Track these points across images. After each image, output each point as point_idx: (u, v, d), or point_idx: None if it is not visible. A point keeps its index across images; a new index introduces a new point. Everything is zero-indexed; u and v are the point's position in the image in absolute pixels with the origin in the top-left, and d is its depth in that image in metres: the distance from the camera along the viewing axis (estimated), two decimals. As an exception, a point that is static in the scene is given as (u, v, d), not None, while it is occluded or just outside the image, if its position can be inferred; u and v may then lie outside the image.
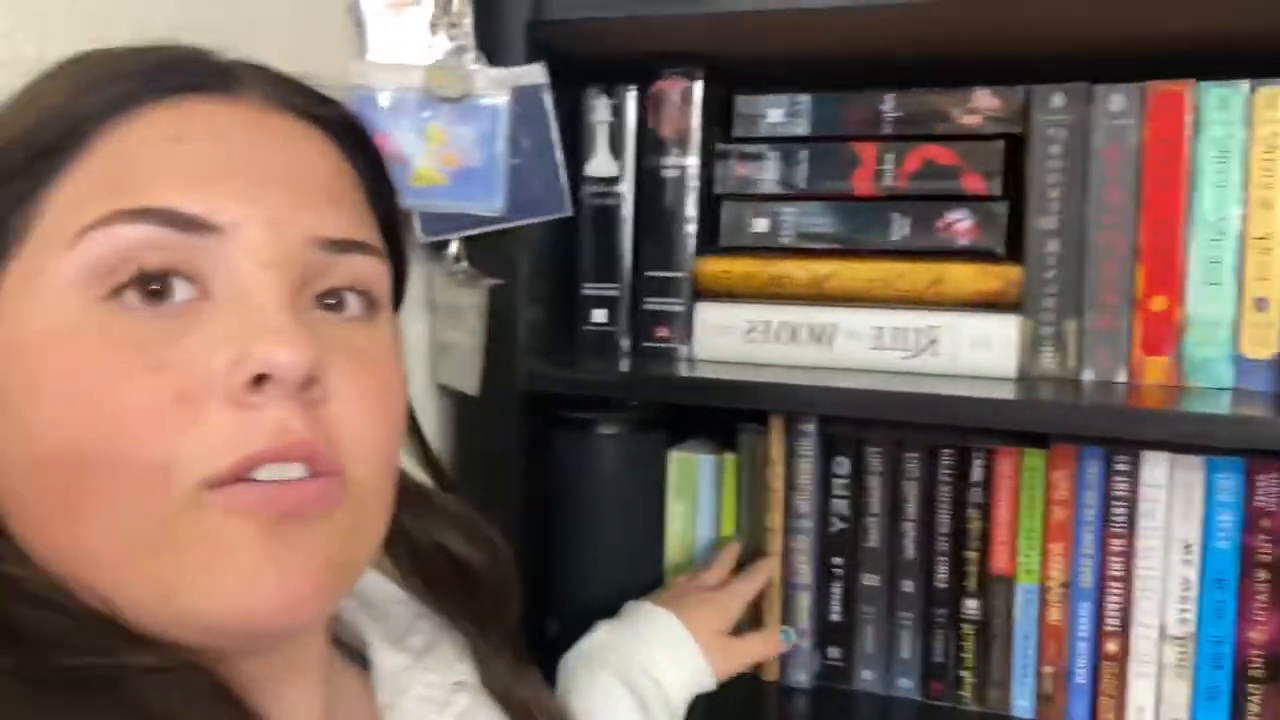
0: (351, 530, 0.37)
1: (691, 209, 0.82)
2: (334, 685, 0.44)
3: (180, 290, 0.34)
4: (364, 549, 0.39)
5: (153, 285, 0.34)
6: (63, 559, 0.34)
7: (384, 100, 0.64)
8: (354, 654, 0.49)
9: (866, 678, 0.81)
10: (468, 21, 0.64)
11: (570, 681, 0.67)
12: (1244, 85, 0.70)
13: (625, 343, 0.84)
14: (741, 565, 0.82)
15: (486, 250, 0.72)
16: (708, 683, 0.71)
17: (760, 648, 0.78)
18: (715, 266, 0.82)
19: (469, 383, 0.71)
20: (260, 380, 0.33)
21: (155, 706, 0.32)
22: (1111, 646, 0.74)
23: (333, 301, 0.37)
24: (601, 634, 0.70)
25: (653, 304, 0.83)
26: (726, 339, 0.81)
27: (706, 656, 0.70)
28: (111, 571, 0.34)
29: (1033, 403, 0.68)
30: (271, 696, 0.38)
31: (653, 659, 0.68)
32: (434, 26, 0.63)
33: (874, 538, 0.80)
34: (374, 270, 0.39)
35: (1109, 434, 0.71)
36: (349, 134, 0.41)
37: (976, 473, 0.77)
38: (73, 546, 0.34)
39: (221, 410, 0.33)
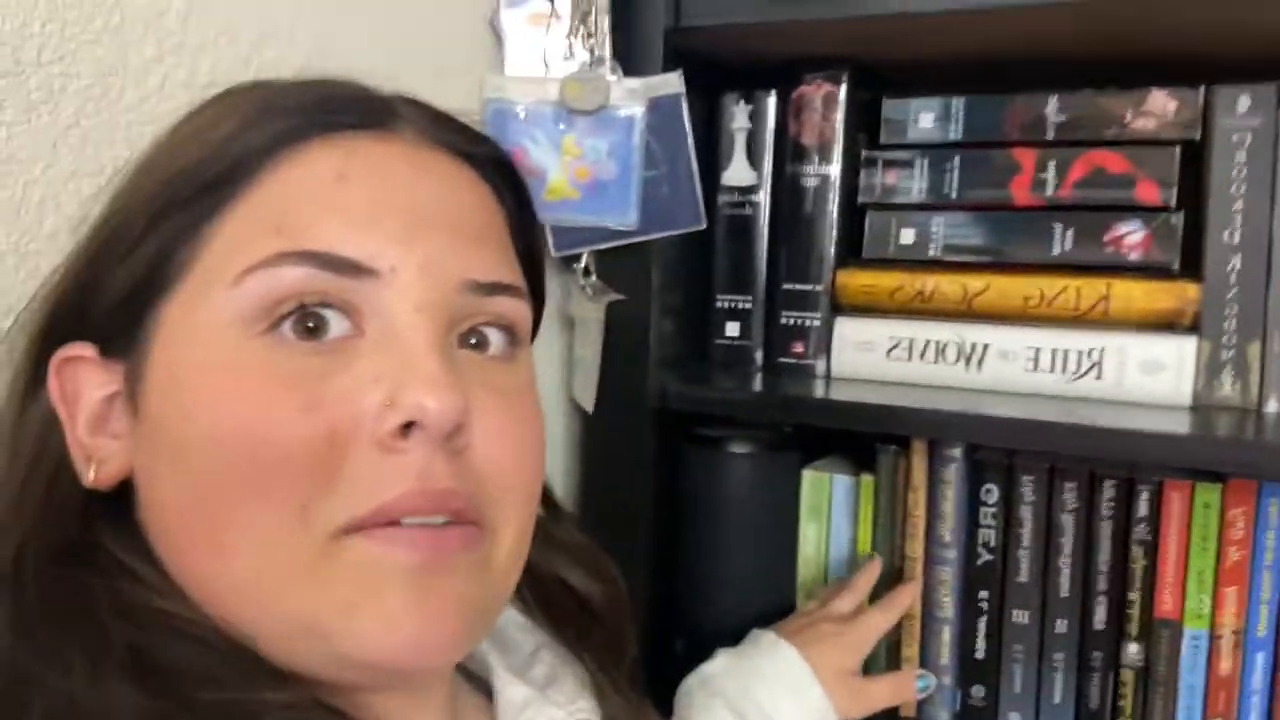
0: (492, 572, 0.37)
1: (833, 219, 0.78)
2: (458, 715, 0.44)
3: (335, 325, 0.35)
4: (504, 590, 0.39)
5: (310, 322, 0.35)
6: (209, 590, 0.35)
7: (520, 113, 0.63)
8: (478, 681, 0.48)
9: (1013, 720, 0.76)
10: (605, 32, 0.63)
11: (686, 709, 0.65)
12: None
13: (759, 357, 0.81)
14: (879, 589, 0.78)
15: (617, 263, 0.70)
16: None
17: (892, 692, 0.74)
18: (857, 279, 0.78)
19: (587, 398, 0.69)
20: (409, 426, 0.34)
21: None
22: (1293, 704, 0.67)
23: (475, 340, 0.38)
24: (720, 661, 0.68)
25: (789, 318, 0.80)
26: (867, 356, 0.77)
27: (830, 698, 0.66)
28: (255, 606, 0.34)
29: (1207, 438, 0.61)
30: None
31: (771, 697, 0.64)
32: (571, 38, 0.62)
33: (1025, 572, 0.75)
34: (517, 310, 0.39)
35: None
36: (499, 171, 0.41)
37: (1142, 507, 0.71)
38: (219, 578, 0.35)
39: (369, 453, 0.34)
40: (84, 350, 0.37)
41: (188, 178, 0.36)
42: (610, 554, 0.72)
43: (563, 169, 0.65)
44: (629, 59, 0.66)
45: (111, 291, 0.36)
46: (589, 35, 0.61)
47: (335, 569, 0.33)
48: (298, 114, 0.37)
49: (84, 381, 0.37)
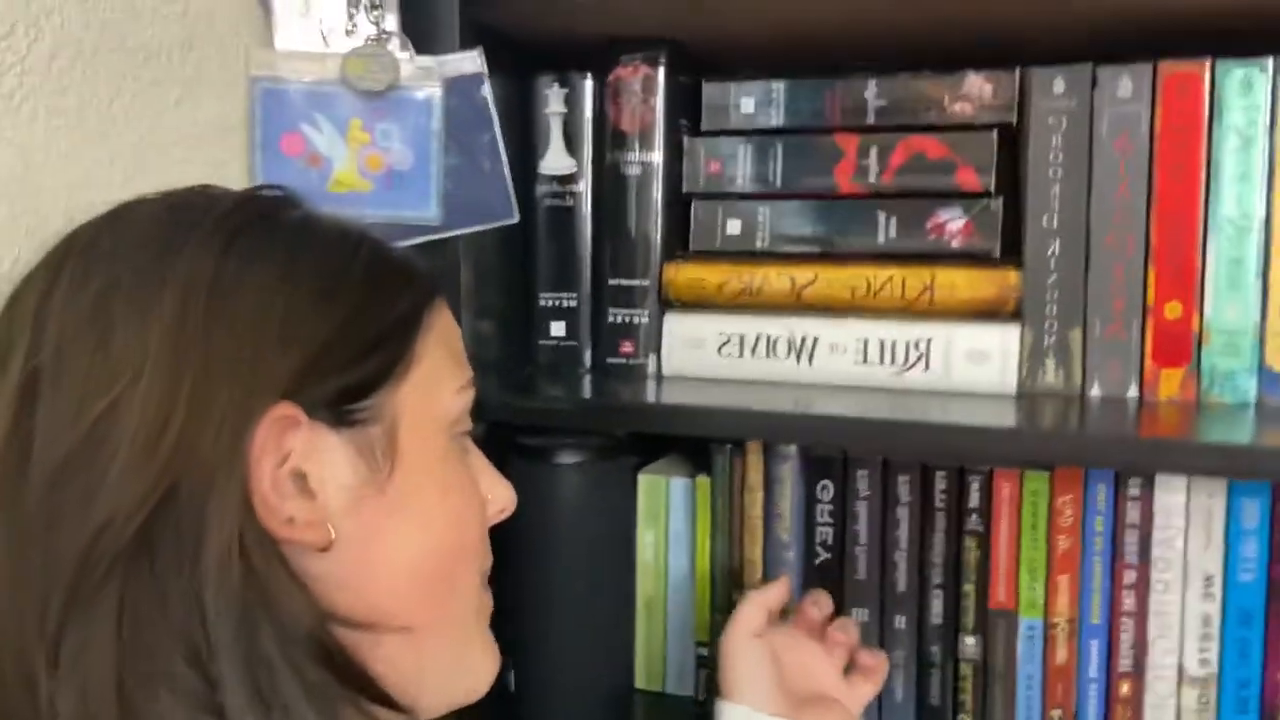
0: None
1: (658, 209, 0.74)
2: None
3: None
4: None
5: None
6: (417, 627, 0.43)
7: (295, 94, 0.56)
8: None
9: (856, 721, 0.74)
10: (393, 3, 0.56)
11: None
12: (1269, 63, 0.63)
13: (587, 358, 0.77)
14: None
15: (427, 260, 0.64)
16: None
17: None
18: (684, 273, 0.74)
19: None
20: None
21: None
22: (1125, 689, 0.67)
23: None
24: None
25: (617, 315, 0.76)
26: (698, 354, 0.74)
27: None
28: (452, 645, 0.46)
29: (1034, 433, 0.60)
30: None
31: None
32: (352, 9, 0.55)
33: (862, 569, 0.73)
34: None
35: (1121, 467, 0.64)
36: None
37: (974, 497, 0.70)
38: (435, 621, 0.44)
39: (485, 532, 0.48)
40: (296, 413, 0.39)
41: (407, 296, 0.44)
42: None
43: (351, 157, 0.58)
44: (421, 36, 0.60)
45: (355, 372, 0.41)
46: (373, 6, 0.55)
47: (482, 622, 0.49)
48: (426, 283, 0.46)
49: (288, 444, 0.39)
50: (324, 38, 0.56)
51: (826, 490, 0.73)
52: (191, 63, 0.52)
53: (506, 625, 0.72)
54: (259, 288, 0.39)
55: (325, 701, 0.38)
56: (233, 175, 0.58)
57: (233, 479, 0.37)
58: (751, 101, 0.72)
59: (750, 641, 0.63)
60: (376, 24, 0.55)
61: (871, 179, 0.70)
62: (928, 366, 0.68)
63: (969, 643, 0.71)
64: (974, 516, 0.70)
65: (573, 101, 0.74)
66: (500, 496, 0.49)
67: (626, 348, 0.75)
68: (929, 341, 0.68)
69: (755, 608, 0.63)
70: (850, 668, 0.65)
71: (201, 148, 0.54)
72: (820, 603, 0.66)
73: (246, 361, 0.38)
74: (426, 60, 0.58)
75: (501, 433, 0.72)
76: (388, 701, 0.42)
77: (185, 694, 0.36)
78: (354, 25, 0.56)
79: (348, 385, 0.41)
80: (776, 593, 0.65)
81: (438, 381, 0.44)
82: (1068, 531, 0.68)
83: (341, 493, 0.41)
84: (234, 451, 0.37)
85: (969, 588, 0.71)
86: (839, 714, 0.62)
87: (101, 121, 0.51)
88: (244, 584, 0.37)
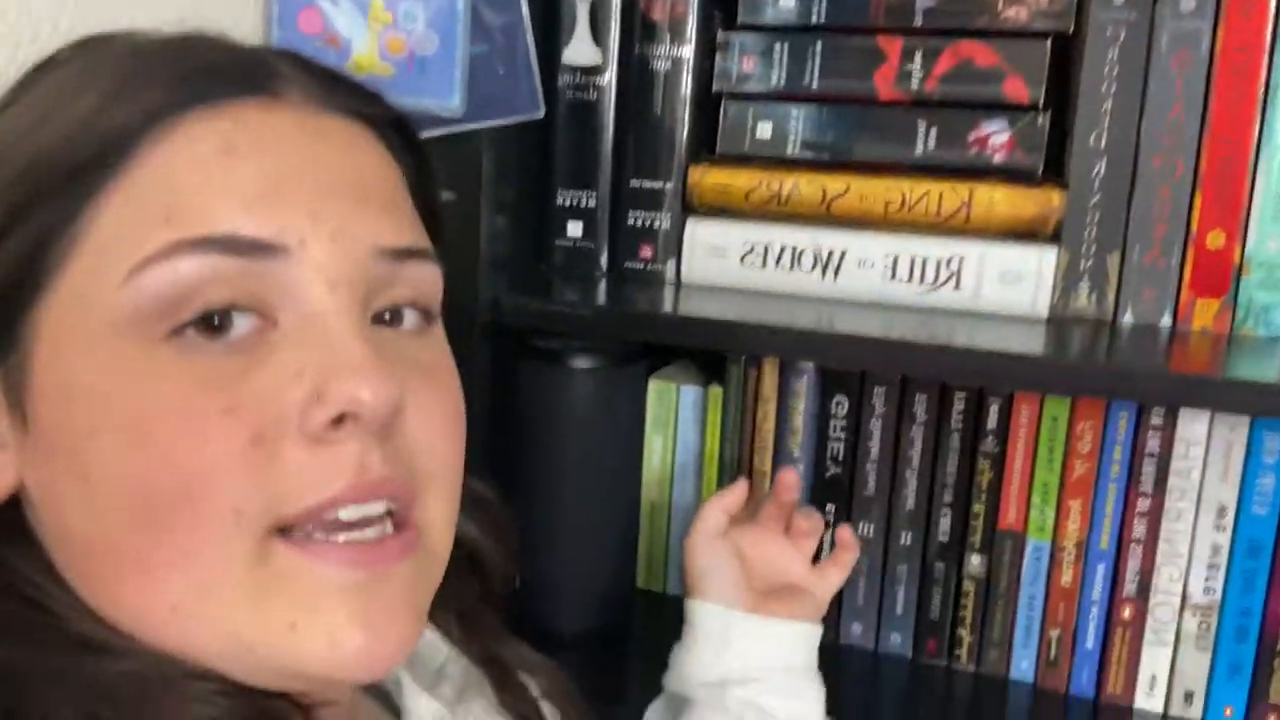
0: (429, 565, 0.36)
1: (685, 108, 0.71)
2: None
3: (241, 323, 0.32)
4: (440, 571, 0.37)
5: (214, 320, 0.31)
6: (135, 614, 0.33)
7: (313, -33, 0.52)
8: (377, 693, 0.45)
9: (855, 631, 0.75)
10: None
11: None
12: (1342, -15, 0.59)
13: (604, 261, 0.74)
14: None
15: (442, 154, 0.61)
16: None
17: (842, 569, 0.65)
18: (710, 177, 0.71)
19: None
20: (340, 419, 0.31)
21: None
22: (1126, 612, 0.68)
23: (389, 316, 0.35)
24: (704, 670, 0.60)
25: (636, 218, 0.73)
26: (720, 262, 0.71)
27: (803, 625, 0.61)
28: (194, 627, 0.32)
29: (1058, 362, 0.59)
30: None
31: (728, 667, 0.59)
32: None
33: (872, 485, 0.73)
34: (432, 279, 0.37)
35: (1145, 400, 0.63)
36: (396, 130, 0.39)
37: (992, 419, 0.69)
38: (151, 602, 0.32)
39: (297, 449, 0.31)
40: None
41: (52, 162, 0.31)
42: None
43: (371, 38, 0.54)
44: (449, -93, 0.55)
45: None
46: (398, -126, 0.51)
47: (271, 579, 0.32)
48: (171, 83, 0.33)
49: None
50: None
51: (841, 406, 0.72)
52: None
53: (519, 528, 0.72)
54: None
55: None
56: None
57: None
58: (792, -4, 0.68)
59: (713, 542, 0.62)
60: (402, -109, 0.51)
61: (914, 85, 0.66)
62: (958, 286, 0.66)
63: (974, 561, 0.71)
64: (990, 439, 0.70)
65: (601, -13, 0.70)
66: (335, 392, 0.31)
67: (645, 252, 0.73)
68: (961, 260, 0.66)
69: (715, 510, 0.62)
70: (819, 557, 0.64)
71: (216, 20, 0.50)
72: (783, 494, 0.64)
73: None
74: (455, -66, 0.54)
75: (513, 334, 0.70)
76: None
77: None
78: (377, -109, 0.51)
79: None
80: (735, 495, 0.63)
81: (103, 268, 0.31)
82: (1085, 457, 0.67)
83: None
84: None
85: (979, 508, 0.71)
86: (806, 602, 0.62)
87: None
88: None
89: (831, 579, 0.63)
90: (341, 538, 0.32)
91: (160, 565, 0.31)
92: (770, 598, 0.61)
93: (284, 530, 0.32)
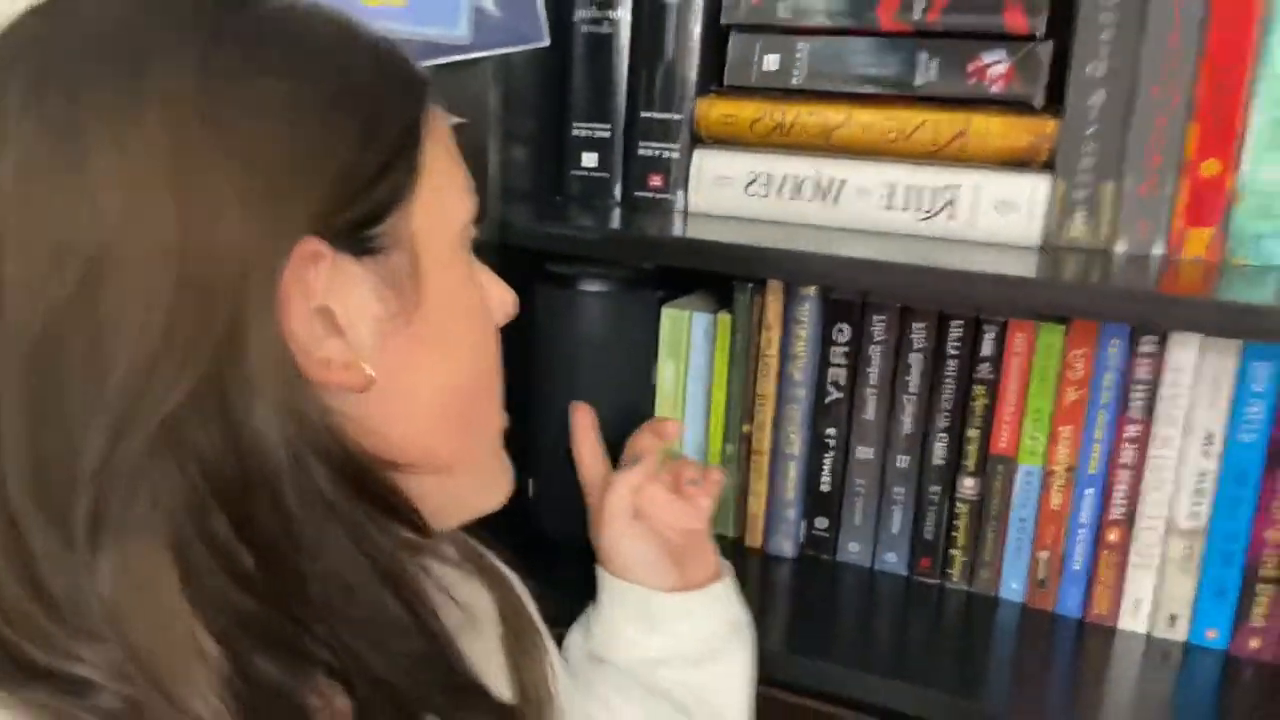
0: None
1: (695, 41, 0.73)
2: None
3: None
4: None
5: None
6: (434, 458, 0.41)
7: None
8: None
9: (853, 550, 0.78)
10: None
11: (594, 683, 0.62)
12: (1345, -89, 0.59)
13: (618, 191, 0.77)
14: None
15: (455, 82, 0.65)
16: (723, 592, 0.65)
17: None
18: (717, 109, 0.73)
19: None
20: None
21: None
22: (1113, 536, 0.70)
23: None
24: (597, 632, 0.64)
25: (648, 149, 0.76)
26: (726, 191, 0.74)
27: (711, 585, 0.64)
28: (472, 463, 0.45)
29: (1051, 283, 0.61)
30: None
31: (658, 648, 0.62)
32: None
33: (871, 409, 0.75)
34: None
35: (1136, 321, 0.65)
36: None
37: (987, 346, 0.71)
38: (460, 448, 0.44)
39: None
40: (321, 247, 0.36)
41: (395, 120, 0.39)
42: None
43: (383, -31, 0.58)
44: None
45: (369, 198, 0.37)
46: None
47: (500, 437, 0.48)
48: (422, 81, 0.42)
49: (314, 281, 0.36)
50: None
51: (842, 333, 0.75)
52: None
53: (530, 441, 0.77)
54: (261, 103, 0.35)
55: (375, 540, 0.37)
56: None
57: (267, 326, 0.34)
58: (798, -71, 0.70)
59: (629, 525, 0.62)
60: None
61: (916, 16, 0.68)
62: (954, 214, 0.68)
63: (968, 484, 0.74)
64: (985, 365, 0.72)
65: (614, -80, 0.72)
66: (505, 301, 0.48)
67: (655, 181, 0.76)
68: (957, 189, 0.68)
69: (623, 493, 0.62)
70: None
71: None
72: (663, 434, 0.67)
73: (260, 195, 0.34)
74: None
75: (529, 258, 0.74)
76: (424, 531, 0.41)
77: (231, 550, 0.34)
78: None
79: (366, 210, 0.37)
80: (640, 473, 0.63)
81: (447, 186, 0.41)
82: (1077, 384, 0.69)
83: (371, 327, 0.38)
84: (266, 297, 0.34)
85: (973, 433, 0.73)
86: (710, 549, 0.65)
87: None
88: (295, 433, 0.35)
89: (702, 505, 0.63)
90: None
91: (483, 416, 0.46)
92: (683, 562, 0.63)
93: None
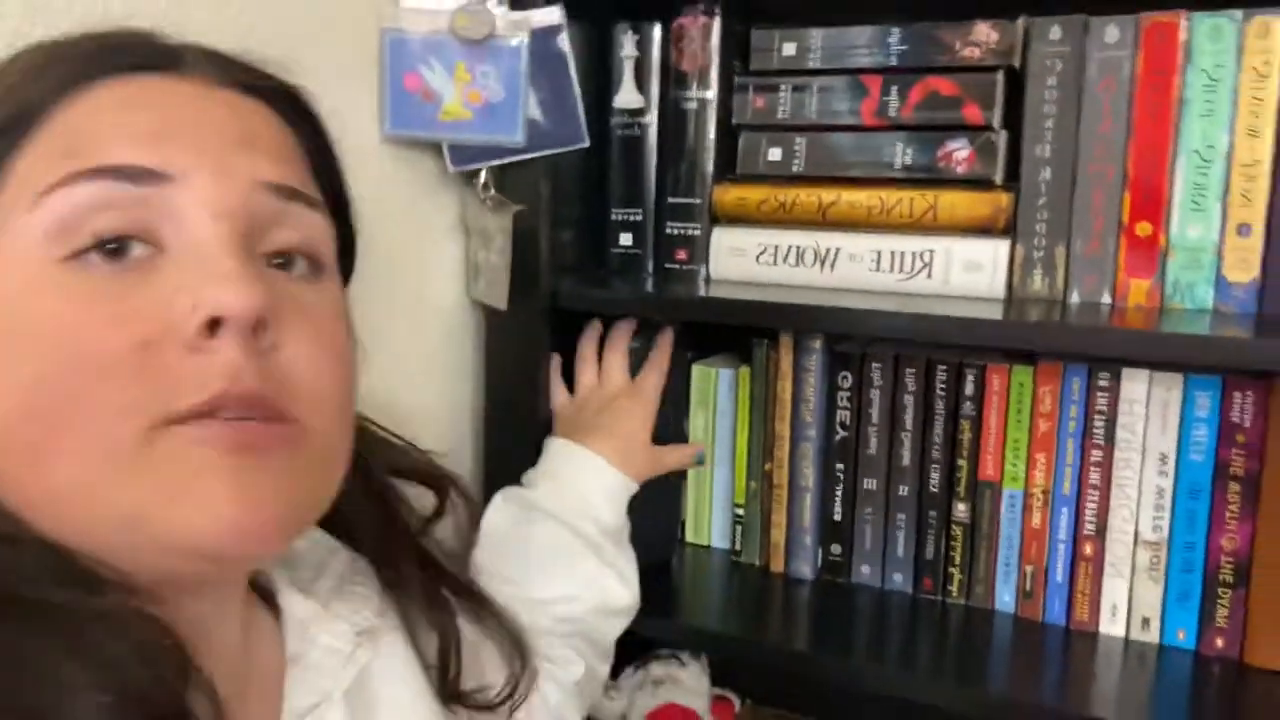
0: (309, 473, 0.39)
1: (710, 139, 0.88)
2: (250, 630, 0.45)
3: (136, 249, 0.37)
4: (321, 493, 0.41)
5: (110, 245, 0.36)
6: (32, 504, 0.36)
7: (414, 42, 0.72)
8: (266, 597, 0.48)
9: (864, 573, 0.89)
10: (492, -31, 0.71)
11: (524, 529, 0.72)
12: (1236, 14, 0.72)
13: (650, 264, 0.92)
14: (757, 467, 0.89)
15: (517, 179, 0.80)
16: (633, 489, 0.78)
17: (678, 460, 0.86)
18: (730, 193, 0.88)
19: (499, 298, 0.79)
20: (214, 325, 0.36)
21: (107, 649, 0.33)
22: (1088, 549, 0.80)
23: (281, 261, 0.40)
24: (540, 487, 0.75)
25: (674, 228, 0.90)
26: (740, 261, 0.88)
27: (626, 473, 0.77)
28: (79, 505, 0.35)
29: (1022, 322, 0.72)
30: (201, 640, 0.39)
31: (582, 495, 0.74)
32: (461, -25, 0.71)
33: (874, 446, 0.87)
34: (321, 229, 0.41)
35: (1093, 352, 0.76)
36: (294, 107, 0.44)
37: (969, 387, 0.83)
38: (43, 489, 0.36)
39: (180, 356, 0.35)
40: None
41: (41, 78, 0.37)
42: (512, 442, 0.84)
43: (457, 93, 0.73)
44: (517, -7, 0.75)
45: None
46: (477, -27, 0.70)
47: (155, 460, 0.35)
48: (85, 58, 0.39)
49: None
50: (439, -2, 0.71)
51: (846, 380, 0.87)
52: (338, 18, 0.68)
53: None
54: None
55: None
56: (364, 105, 0.74)
57: None
58: (793, 46, 0.85)
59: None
60: (479, -14, 0.71)
61: (892, 114, 0.82)
62: (930, 274, 0.81)
63: (960, 509, 0.84)
64: (968, 404, 0.83)
65: (643, 46, 0.88)
66: (205, 298, 0.36)
67: (682, 255, 0.90)
68: (931, 253, 0.81)
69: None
70: None
71: (345, 82, 0.70)
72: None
73: None
74: (517, 15, 0.73)
75: (578, 323, 0.87)
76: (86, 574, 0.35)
77: None
78: (462, -13, 0.71)
79: None
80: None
81: (12, 206, 0.36)
82: (1046, 416, 0.80)
83: None
84: None
85: (962, 463, 0.84)
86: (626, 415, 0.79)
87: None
88: None
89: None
90: (221, 416, 0.35)
91: (55, 454, 0.35)
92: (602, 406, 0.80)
93: (168, 424, 0.35)
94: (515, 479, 0.78)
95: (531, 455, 0.80)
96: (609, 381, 0.84)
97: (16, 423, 0.35)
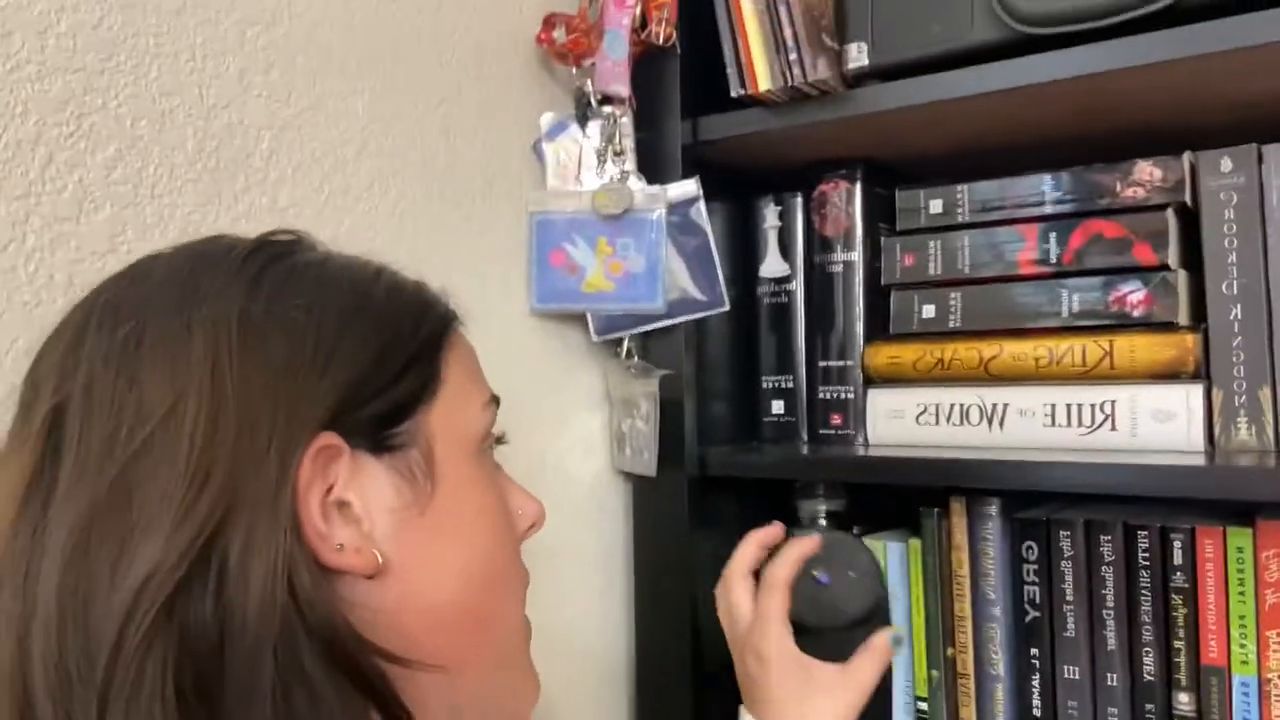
0: None
1: (858, 300, 0.86)
2: None
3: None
4: None
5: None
6: (464, 659, 0.44)
7: (559, 222, 0.75)
8: None
9: (1073, 778, 0.76)
10: (629, 149, 0.74)
11: None
12: None
13: (804, 431, 0.88)
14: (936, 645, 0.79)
15: (662, 348, 0.80)
16: None
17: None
18: (883, 354, 0.84)
19: (647, 466, 0.77)
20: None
21: None
22: (1354, 750, 0.66)
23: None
24: None
25: (827, 392, 0.87)
26: (899, 423, 0.83)
27: None
28: (485, 676, 0.46)
29: (1237, 468, 0.64)
30: None
31: None
32: (600, 156, 0.74)
33: (1071, 626, 0.77)
34: None
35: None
36: None
37: (1177, 555, 0.73)
38: (481, 649, 0.45)
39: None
40: (338, 442, 0.40)
41: (422, 337, 0.45)
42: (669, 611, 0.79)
43: (599, 265, 0.75)
44: (654, 169, 0.77)
45: (390, 397, 0.42)
46: (616, 154, 0.73)
47: (525, 648, 0.49)
48: (444, 310, 0.48)
49: (332, 473, 0.40)
50: (579, 179, 0.74)
51: (1031, 550, 0.78)
52: (492, 203, 0.72)
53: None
54: (288, 323, 0.40)
55: (336, 714, 0.37)
56: (515, 280, 0.77)
57: (280, 512, 0.37)
58: (940, 203, 0.83)
59: (748, 588, 0.69)
60: (620, 166, 0.73)
61: (1052, 260, 0.77)
62: (1114, 426, 0.73)
63: (1183, 700, 0.72)
64: (1179, 574, 0.73)
65: (785, 216, 0.88)
66: (530, 511, 0.50)
67: (836, 420, 0.86)
68: (1113, 403, 0.73)
69: (751, 546, 0.70)
70: None
71: (496, 262, 0.74)
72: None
73: (285, 396, 0.38)
74: (655, 189, 0.75)
75: (730, 489, 0.84)
76: None
77: None
78: (602, 168, 0.74)
79: (384, 411, 0.41)
80: (770, 531, 0.70)
81: (465, 399, 0.46)
82: (1275, 585, 0.69)
83: (386, 517, 0.41)
84: (281, 486, 0.37)
85: (1179, 644, 0.72)
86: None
87: (428, 248, 0.71)
88: (293, 611, 0.36)
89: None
90: None
91: (498, 616, 0.46)
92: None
93: None
94: (671, 670, 0.73)
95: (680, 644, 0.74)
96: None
97: (474, 587, 0.46)
